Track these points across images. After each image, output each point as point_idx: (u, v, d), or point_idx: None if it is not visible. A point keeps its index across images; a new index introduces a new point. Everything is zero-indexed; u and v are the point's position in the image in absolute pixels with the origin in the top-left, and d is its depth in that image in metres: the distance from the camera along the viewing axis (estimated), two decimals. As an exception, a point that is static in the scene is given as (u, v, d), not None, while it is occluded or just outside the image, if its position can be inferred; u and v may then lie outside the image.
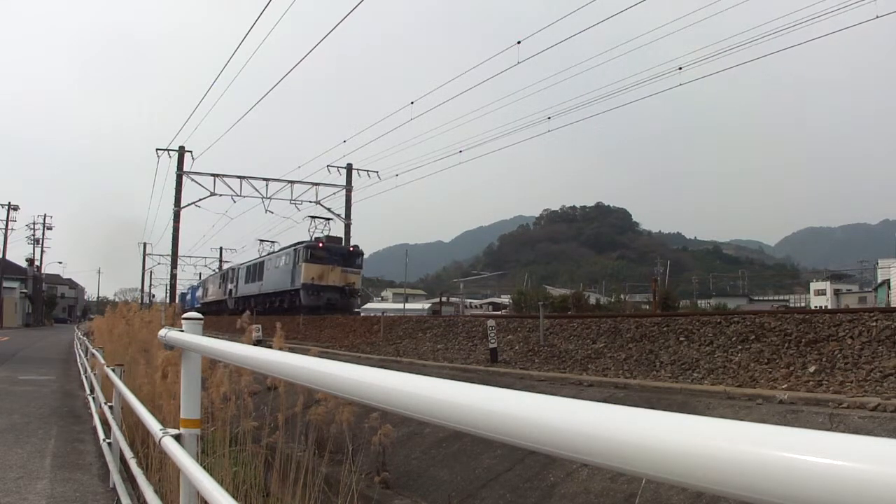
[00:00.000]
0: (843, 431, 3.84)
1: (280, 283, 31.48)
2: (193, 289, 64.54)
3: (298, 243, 31.22)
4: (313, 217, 34.14)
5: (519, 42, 18.88)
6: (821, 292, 70.36)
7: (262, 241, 44.49)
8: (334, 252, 29.96)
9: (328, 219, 34.33)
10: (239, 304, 38.70)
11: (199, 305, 54.62)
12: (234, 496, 1.95)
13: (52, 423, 7.70)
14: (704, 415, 0.66)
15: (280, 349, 3.48)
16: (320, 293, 28.68)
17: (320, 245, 29.96)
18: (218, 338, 2.88)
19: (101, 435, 5.72)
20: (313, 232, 33.85)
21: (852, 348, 6.86)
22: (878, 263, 69.17)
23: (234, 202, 34.15)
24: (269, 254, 37.52)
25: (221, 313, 39.19)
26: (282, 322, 5.90)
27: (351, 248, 30.97)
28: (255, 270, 36.86)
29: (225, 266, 55.98)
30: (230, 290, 41.63)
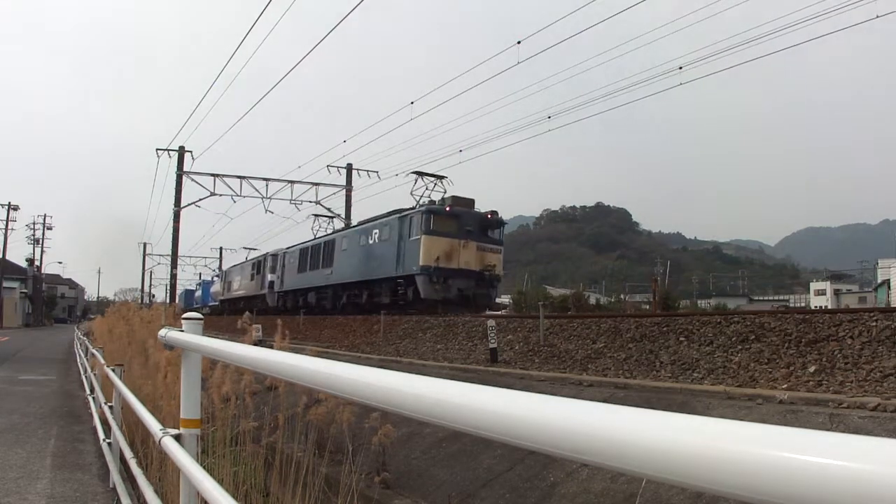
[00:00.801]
0: (843, 431, 3.84)
1: (374, 269, 21.92)
2: (206, 283, 57.66)
3: (404, 210, 21.56)
4: (420, 174, 22.87)
5: (519, 42, 18.87)
6: (821, 292, 70.40)
7: (317, 216, 33.69)
8: (467, 220, 20.13)
9: (441, 176, 22.86)
10: (288, 300, 30.29)
11: (214, 303, 47.74)
12: (234, 496, 1.95)
13: (52, 423, 7.70)
14: (704, 415, 0.66)
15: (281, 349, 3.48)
16: (448, 281, 19.20)
17: (447, 209, 19.92)
18: (218, 338, 2.88)
19: (101, 435, 5.72)
20: (421, 197, 22.43)
21: (852, 348, 6.86)
22: (878, 263, 69.24)
23: (234, 202, 33.98)
24: (345, 228, 27.23)
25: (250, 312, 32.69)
26: (283, 322, 5.89)
27: (489, 215, 20.72)
28: (318, 253, 26.93)
29: (252, 254, 44.87)
30: (271, 283, 32.33)
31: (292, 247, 31.19)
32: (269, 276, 32.75)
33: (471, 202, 21.11)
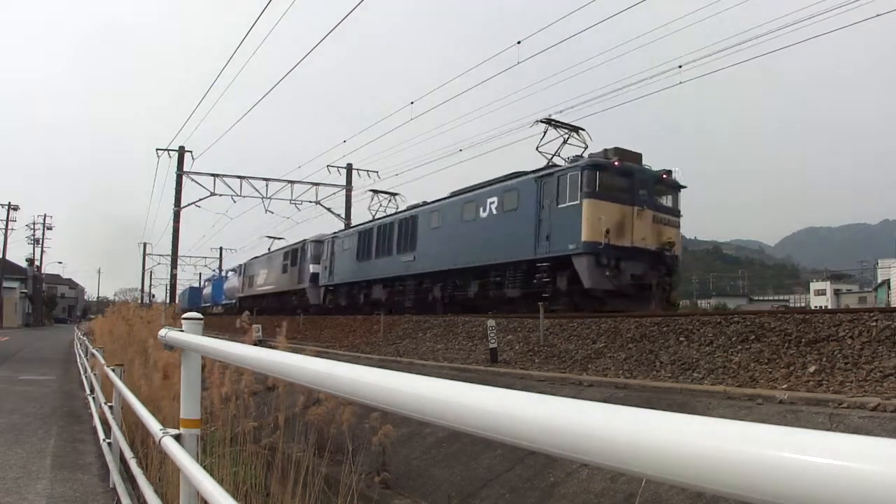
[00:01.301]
0: (843, 431, 3.84)
1: (491, 251, 16.33)
2: (218, 279, 52.65)
3: (540, 169, 16.14)
4: (551, 122, 17.29)
5: (519, 42, 18.86)
6: (821, 292, 70.51)
7: (375, 192, 27.87)
8: (639, 179, 14.86)
9: (577, 128, 17.31)
10: (340, 296, 25.11)
11: (229, 302, 43.40)
12: (234, 496, 1.95)
13: (52, 423, 7.69)
14: (704, 415, 0.66)
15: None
16: (620, 264, 13.90)
17: (616, 164, 14.54)
18: (218, 338, 2.88)
19: (101, 435, 5.72)
20: (554, 155, 17.04)
21: (852, 348, 6.86)
22: (878, 263, 69.37)
23: (234, 202, 33.96)
24: (437, 200, 20.08)
25: (280, 312, 27.39)
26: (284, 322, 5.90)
27: (663, 175, 15.40)
28: (389, 235, 21.61)
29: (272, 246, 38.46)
30: (314, 275, 27.11)
31: (346, 229, 26.00)
32: (312, 268, 27.36)
33: (638, 156, 15.41)
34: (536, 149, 17.16)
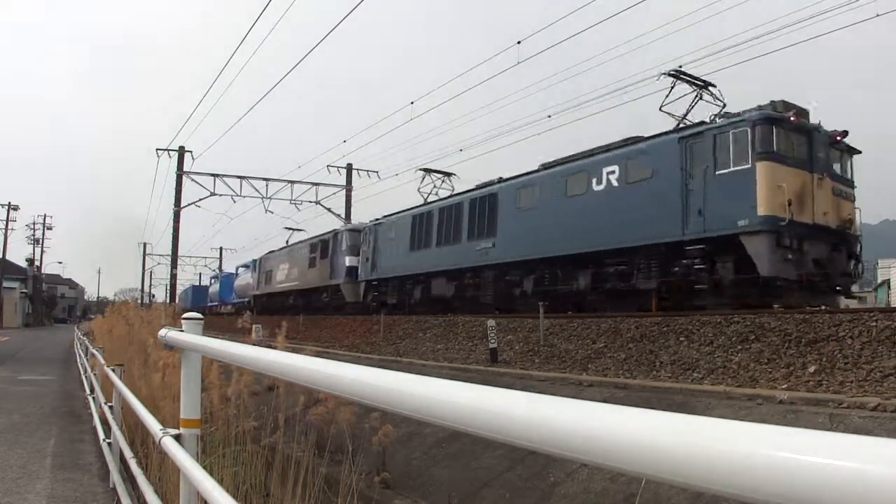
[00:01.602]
0: (843, 431, 3.84)
1: (613, 232, 12.86)
2: (227, 276, 48.36)
3: (682, 128, 12.97)
4: (680, 76, 14.20)
5: (519, 42, 18.85)
6: (821, 292, 70.35)
7: (428, 171, 23.54)
8: (816, 141, 11.76)
9: (708, 83, 14.08)
10: (388, 293, 21.47)
11: (241, 300, 40.17)
12: (234, 496, 1.95)
13: (52, 423, 7.70)
14: (704, 415, 0.66)
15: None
16: (802, 245, 10.81)
17: (792, 119, 11.40)
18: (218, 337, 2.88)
19: (101, 435, 5.72)
20: (684, 117, 13.80)
21: (852, 348, 6.87)
22: (878, 263, 69.23)
23: (234, 202, 33.84)
24: (522, 175, 16.46)
25: (306, 311, 24.65)
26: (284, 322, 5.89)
27: (838, 136, 12.17)
28: (456, 218, 18.12)
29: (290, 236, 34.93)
30: (351, 269, 23.82)
31: (393, 214, 21.99)
32: (348, 260, 23.96)
33: (806, 113, 12.08)
34: (660, 108, 14.18)
